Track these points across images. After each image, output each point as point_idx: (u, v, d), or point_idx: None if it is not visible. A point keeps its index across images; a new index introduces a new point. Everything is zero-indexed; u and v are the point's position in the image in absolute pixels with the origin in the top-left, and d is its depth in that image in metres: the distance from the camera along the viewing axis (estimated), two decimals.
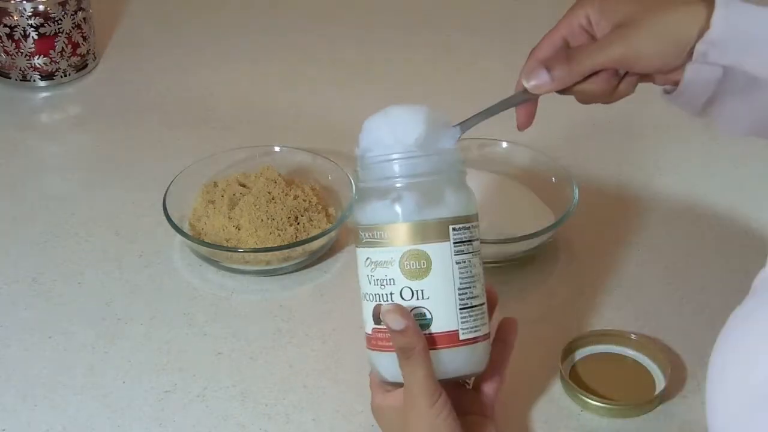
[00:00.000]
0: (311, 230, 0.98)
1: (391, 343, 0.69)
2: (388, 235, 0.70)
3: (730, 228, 1.05)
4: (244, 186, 1.03)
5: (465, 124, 0.76)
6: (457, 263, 0.70)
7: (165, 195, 0.99)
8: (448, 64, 1.37)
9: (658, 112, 1.25)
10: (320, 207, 1.01)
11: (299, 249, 0.96)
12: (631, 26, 0.71)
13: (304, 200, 1.01)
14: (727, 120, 0.75)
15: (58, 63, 1.28)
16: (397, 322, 0.68)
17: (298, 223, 0.98)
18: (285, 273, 0.98)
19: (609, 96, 0.75)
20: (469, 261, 0.71)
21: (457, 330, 0.70)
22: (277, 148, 1.09)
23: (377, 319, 0.70)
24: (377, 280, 0.70)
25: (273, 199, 1.00)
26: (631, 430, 0.82)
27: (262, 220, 0.97)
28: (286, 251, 0.95)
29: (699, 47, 0.71)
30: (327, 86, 1.32)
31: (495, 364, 0.76)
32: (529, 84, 0.74)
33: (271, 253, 0.95)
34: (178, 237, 0.99)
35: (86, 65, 1.32)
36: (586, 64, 0.73)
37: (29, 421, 0.82)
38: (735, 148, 1.15)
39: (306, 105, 1.27)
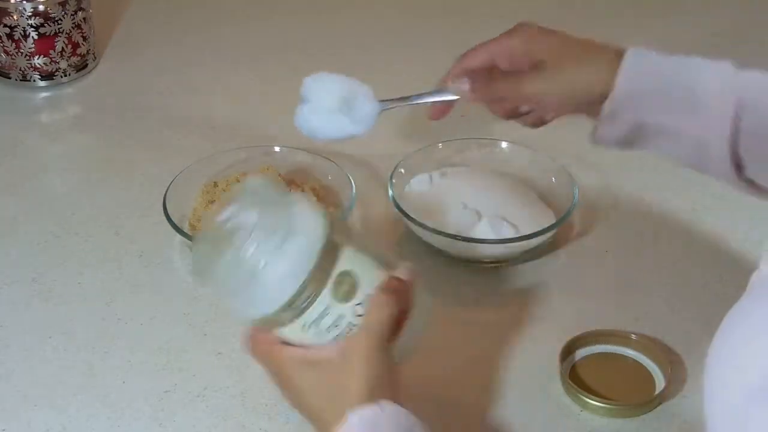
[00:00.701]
0: None
1: None
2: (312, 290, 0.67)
3: (730, 228, 1.05)
4: None
5: (384, 102, 0.83)
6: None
7: (165, 195, 0.99)
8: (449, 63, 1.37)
9: None
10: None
11: None
12: (544, 72, 0.78)
13: None
14: (655, 152, 0.82)
15: (58, 63, 1.28)
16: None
17: None
18: None
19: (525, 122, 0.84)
20: None
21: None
22: (277, 148, 1.09)
23: None
24: (328, 327, 0.68)
25: None
26: (631, 430, 0.82)
27: None
28: None
29: (605, 107, 0.77)
30: None
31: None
32: (453, 87, 0.82)
33: None
34: (178, 237, 0.98)
35: (86, 65, 1.32)
36: (500, 92, 0.81)
37: (29, 421, 0.82)
38: None
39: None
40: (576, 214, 1.03)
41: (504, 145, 1.10)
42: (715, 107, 0.75)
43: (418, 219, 0.99)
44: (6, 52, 1.27)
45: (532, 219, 1.00)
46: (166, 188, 1.00)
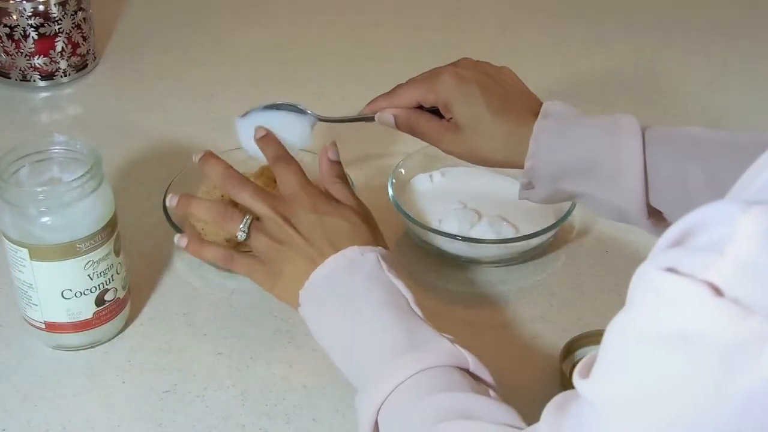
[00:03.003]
0: None
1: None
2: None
3: None
4: None
5: (322, 118, 0.93)
6: None
7: (165, 195, 0.99)
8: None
9: (657, 113, 1.25)
10: None
11: None
12: (462, 134, 0.86)
13: None
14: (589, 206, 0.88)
15: (58, 63, 1.28)
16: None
17: None
18: None
19: None
20: None
21: None
22: None
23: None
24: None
25: None
26: None
27: None
28: None
29: (520, 178, 0.85)
30: (328, 85, 1.32)
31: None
32: (378, 118, 0.91)
33: None
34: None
35: (86, 65, 1.32)
36: (421, 136, 0.90)
37: (29, 421, 0.82)
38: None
39: (308, 105, 1.27)
40: (576, 214, 1.03)
41: None
42: (626, 179, 0.80)
43: (418, 219, 0.99)
44: (6, 52, 1.27)
45: (532, 219, 1.00)
46: (165, 188, 1.00)
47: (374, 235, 0.83)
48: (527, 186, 0.85)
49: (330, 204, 0.83)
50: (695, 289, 0.43)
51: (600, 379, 0.50)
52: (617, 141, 0.80)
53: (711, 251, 0.44)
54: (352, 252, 0.78)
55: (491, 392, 0.71)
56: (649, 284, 0.47)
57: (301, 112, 0.93)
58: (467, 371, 0.72)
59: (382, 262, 0.78)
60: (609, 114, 0.84)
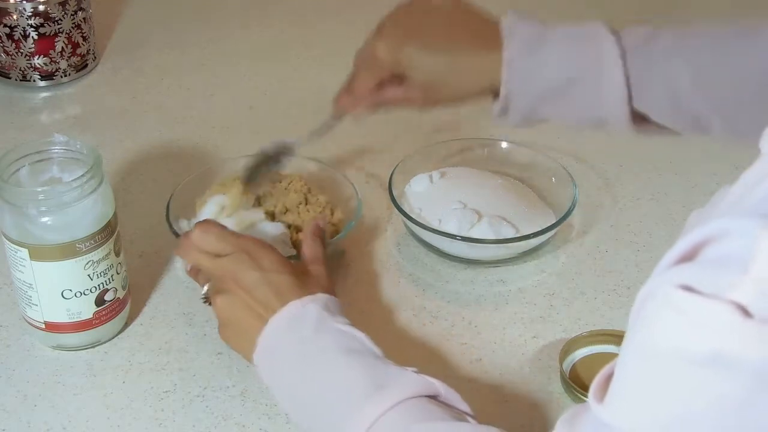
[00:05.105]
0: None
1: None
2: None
3: None
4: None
5: (304, 141, 0.96)
6: None
7: (168, 204, 0.99)
8: None
9: None
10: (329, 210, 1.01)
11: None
12: (431, 88, 0.84)
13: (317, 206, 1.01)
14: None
15: (58, 63, 1.28)
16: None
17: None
18: None
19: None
20: None
21: None
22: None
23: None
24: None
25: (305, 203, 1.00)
26: None
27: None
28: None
29: (494, 107, 0.82)
30: (328, 85, 1.31)
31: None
32: (355, 119, 0.91)
33: None
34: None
35: (86, 65, 1.32)
36: (391, 103, 0.88)
37: (29, 421, 0.82)
38: (735, 147, 1.15)
39: (307, 106, 1.27)
40: (576, 214, 1.03)
41: (504, 145, 1.10)
42: (607, 93, 0.78)
43: (418, 219, 0.99)
44: (6, 52, 1.27)
45: (532, 219, 1.00)
46: (165, 187, 1.00)
47: (314, 283, 0.82)
48: (502, 112, 0.82)
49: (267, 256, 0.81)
50: (722, 309, 0.43)
51: (621, 403, 0.49)
52: (593, 57, 0.78)
53: (731, 268, 0.43)
54: (294, 307, 0.76)
55: (470, 419, 0.70)
56: (667, 302, 0.46)
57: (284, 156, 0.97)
58: (439, 400, 0.70)
59: (324, 312, 0.76)
60: (576, 25, 0.81)
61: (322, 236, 0.91)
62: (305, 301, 0.77)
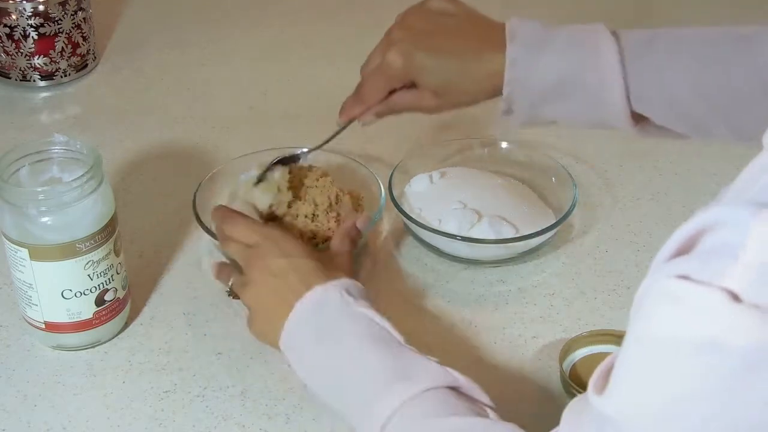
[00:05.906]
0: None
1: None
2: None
3: None
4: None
5: (311, 149, 0.99)
6: None
7: (195, 195, 0.99)
8: None
9: None
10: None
11: None
12: (440, 93, 0.86)
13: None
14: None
15: (58, 63, 1.28)
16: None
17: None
18: None
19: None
20: None
21: None
22: (305, 148, 1.03)
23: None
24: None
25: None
26: None
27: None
28: None
29: (500, 106, 0.83)
30: (329, 85, 1.32)
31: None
32: (363, 125, 0.93)
33: None
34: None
35: (86, 65, 1.32)
36: (402, 109, 0.90)
37: (29, 421, 0.82)
38: (735, 148, 1.15)
39: (308, 105, 1.27)
40: (576, 214, 1.03)
41: (504, 145, 1.10)
42: (607, 95, 0.79)
43: (418, 219, 0.99)
44: (6, 52, 1.27)
45: (532, 219, 1.00)
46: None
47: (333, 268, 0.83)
48: (506, 112, 0.84)
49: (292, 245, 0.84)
50: (714, 296, 0.44)
51: (621, 392, 0.50)
52: (593, 59, 0.79)
53: (723, 256, 0.44)
54: (318, 291, 0.78)
55: (490, 412, 0.70)
56: (663, 292, 0.47)
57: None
58: (460, 391, 0.71)
59: (347, 296, 0.78)
60: (578, 27, 0.82)
61: (356, 238, 0.93)
62: (328, 285, 0.79)
